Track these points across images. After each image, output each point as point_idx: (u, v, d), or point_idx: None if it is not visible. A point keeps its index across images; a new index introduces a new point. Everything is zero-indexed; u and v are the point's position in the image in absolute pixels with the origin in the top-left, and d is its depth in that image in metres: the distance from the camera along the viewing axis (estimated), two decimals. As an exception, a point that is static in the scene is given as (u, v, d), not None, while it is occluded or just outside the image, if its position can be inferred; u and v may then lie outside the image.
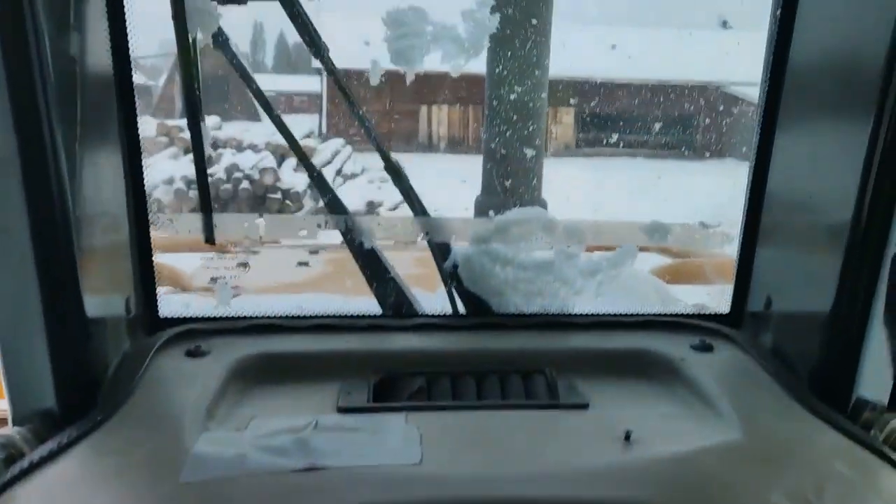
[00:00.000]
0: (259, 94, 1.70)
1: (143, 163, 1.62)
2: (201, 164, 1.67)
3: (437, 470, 1.25)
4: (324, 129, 15.93)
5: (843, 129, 1.48)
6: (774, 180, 1.71)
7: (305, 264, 3.82)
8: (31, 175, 1.24)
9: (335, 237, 1.95)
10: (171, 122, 14.86)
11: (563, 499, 1.19)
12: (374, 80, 1.64)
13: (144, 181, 1.62)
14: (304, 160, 1.82)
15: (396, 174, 1.81)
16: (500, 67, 2.37)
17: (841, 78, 1.50)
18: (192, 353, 1.61)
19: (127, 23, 1.50)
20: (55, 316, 1.32)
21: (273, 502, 1.16)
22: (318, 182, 1.81)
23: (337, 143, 14.83)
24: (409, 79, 1.61)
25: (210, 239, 1.74)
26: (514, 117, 2.65)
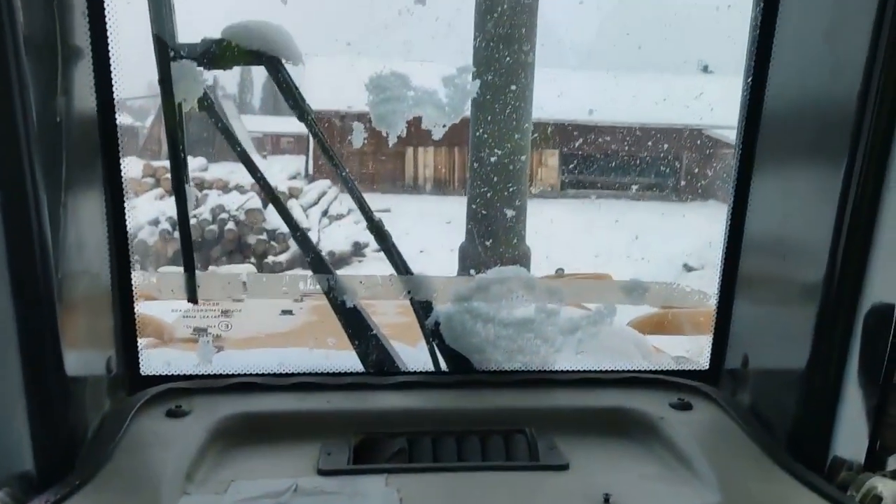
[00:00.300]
0: (244, 156, 1.72)
1: (126, 216, 1.62)
2: (185, 224, 1.69)
3: None
4: (310, 171, 15.99)
5: (816, 176, 1.51)
6: (751, 228, 1.74)
7: (290, 312, 3.82)
8: (12, 230, 1.24)
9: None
10: (156, 163, 14.89)
11: None
12: (357, 143, 1.67)
13: (128, 235, 1.63)
14: (289, 219, 1.83)
15: (379, 233, 1.83)
16: (481, 131, 2.42)
17: (814, 123, 1.53)
18: (172, 414, 1.61)
19: (112, 68, 1.52)
20: (35, 376, 1.32)
21: None
22: (301, 242, 1.83)
23: (323, 184, 14.89)
24: (392, 141, 1.65)
25: (193, 298, 1.75)
26: (495, 179, 2.70)
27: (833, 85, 1.45)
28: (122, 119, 1.56)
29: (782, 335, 1.61)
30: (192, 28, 1.65)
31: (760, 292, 1.73)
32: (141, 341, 1.75)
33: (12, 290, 1.27)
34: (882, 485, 1.43)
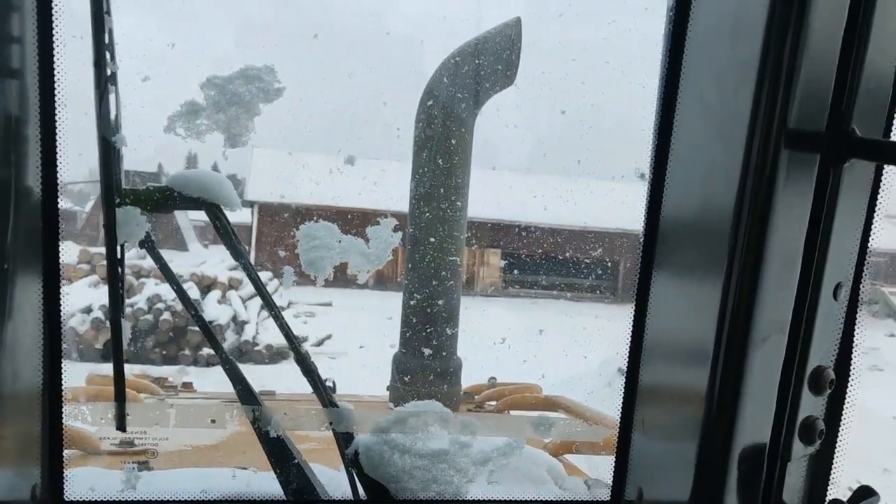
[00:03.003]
0: (183, 296, 1.84)
1: (60, 309, 1.62)
2: (119, 355, 1.78)
3: None
4: (252, 262, 15.96)
5: (694, 333, 1.64)
6: (644, 374, 1.85)
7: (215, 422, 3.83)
8: None
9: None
10: (93, 250, 14.70)
11: None
12: (287, 286, 1.81)
13: (62, 331, 1.64)
14: (218, 349, 1.94)
15: (304, 365, 1.95)
16: (434, 255, 2.60)
17: (699, 256, 1.65)
18: None
19: (58, 151, 1.57)
20: None
21: None
22: (230, 372, 1.93)
23: (264, 276, 14.86)
24: (319, 284, 1.79)
25: (122, 427, 1.83)
26: (433, 284, 2.86)
27: (710, 224, 1.60)
28: (63, 203, 1.57)
29: (671, 469, 1.74)
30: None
31: (653, 430, 1.86)
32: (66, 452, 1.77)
33: None
34: None
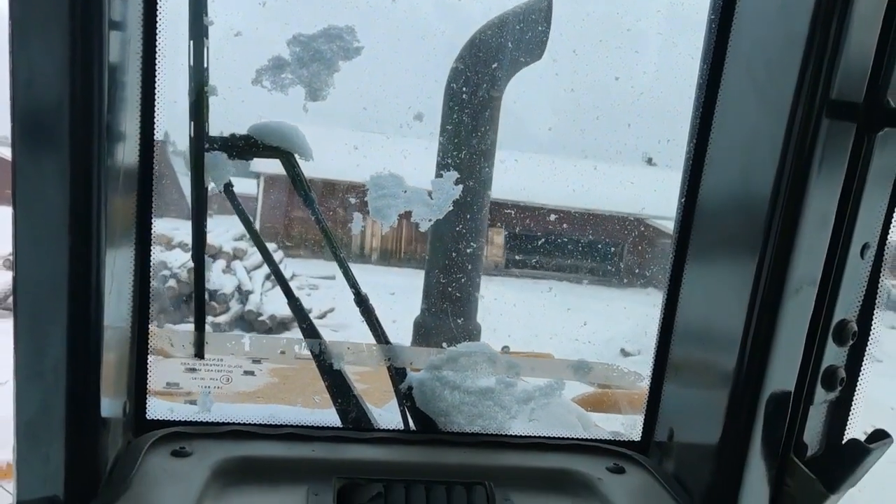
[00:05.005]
0: (259, 242, 2.00)
1: (150, 271, 1.82)
2: (201, 290, 1.94)
3: None
4: (258, 231, 16.02)
5: (734, 270, 1.78)
6: (681, 316, 2.01)
7: (251, 374, 4.03)
8: (76, 277, 1.46)
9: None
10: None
11: None
12: (356, 231, 1.97)
13: (150, 290, 1.83)
14: (287, 290, 2.09)
15: (364, 306, 2.11)
16: (461, 226, 2.72)
17: (737, 221, 1.80)
18: (177, 454, 1.83)
19: (154, 144, 1.74)
20: (75, 416, 1.53)
21: None
22: (296, 311, 2.09)
23: (269, 247, 14.98)
24: (384, 231, 1.95)
25: (200, 354, 1.99)
26: (454, 255, 3.00)
27: (745, 221, 1.75)
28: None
29: (701, 414, 1.90)
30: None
31: (686, 377, 2.02)
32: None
33: (68, 337, 1.49)
34: (778, 542, 1.73)
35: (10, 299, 1.49)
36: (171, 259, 13.87)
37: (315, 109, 1.86)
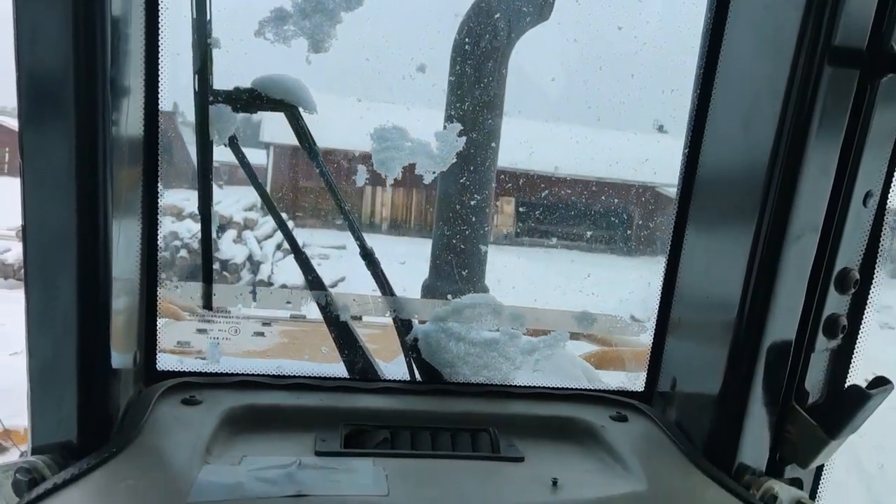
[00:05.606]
0: (263, 193, 2.02)
1: (158, 227, 1.85)
2: (208, 242, 1.97)
3: (401, 501, 1.54)
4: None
5: (733, 233, 1.80)
6: (682, 278, 2.03)
7: (261, 334, 4.08)
8: (84, 233, 1.49)
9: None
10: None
11: None
12: (360, 182, 1.98)
13: (158, 245, 1.87)
14: (293, 243, 2.12)
15: (370, 259, 2.14)
16: (464, 178, 2.72)
17: (735, 185, 1.82)
18: (187, 402, 1.87)
19: (160, 102, 1.77)
20: (86, 365, 1.57)
21: None
22: (301, 263, 2.11)
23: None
24: (388, 182, 1.96)
25: (208, 306, 2.02)
26: (473, 219, 3.00)
27: (746, 168, 1.75)
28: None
29: (704, 364, 1.91)
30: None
31: (688, 327, 2.03)
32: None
33: (78, 291, 1.52)
34: (779, 487, 1.75)
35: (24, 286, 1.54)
36: (183, 230, 13.97)
37: (318, 61, 1.87)
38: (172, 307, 2.64)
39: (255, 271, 14.98)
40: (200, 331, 3.54)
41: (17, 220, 1.52)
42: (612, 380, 3.06)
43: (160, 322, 1.97)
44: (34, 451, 1.60)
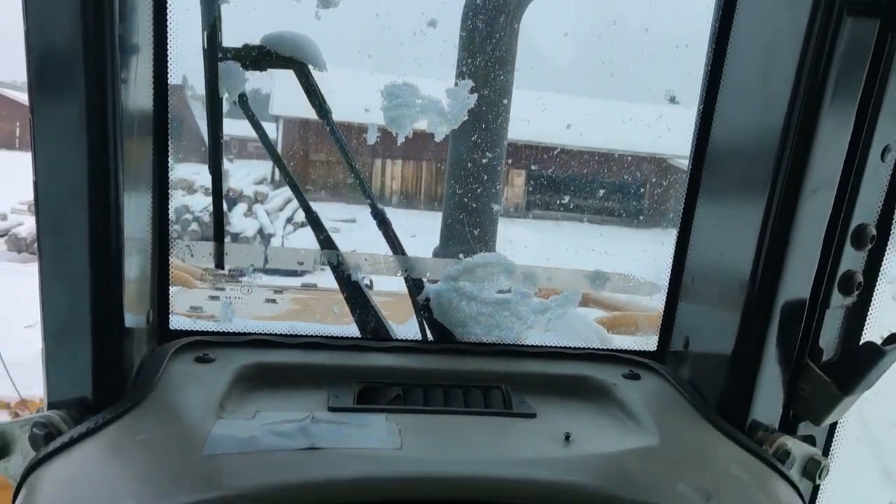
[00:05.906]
0: (270, 147, 2.01)
1: (169, 187, 1.86)
2: (219, 201, 1.96)
3: (414, 454, 1.55)
4: (276, 177, 16.10)
5: (745, 201, 1.79)
6: (694, 245, 2.03)
7: (273, 301, 4.10)
8: (95, 192, 1.50)
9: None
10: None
11: (515, 479, 1.50)
12: (371, 140, 1.97)
13: (169, 206, 1.87)
14: (303, 201, 2.11)
15: (381, 219, 2.13)
16: (476, 136, 2.69)
17: (747, 155, 1.80)
18: (200, 360, 1.87)
19: (168, 68, 1.76)
20: (101, 322, 1.58)
21: (280, 473, 1.43)
22: (312, 222, 2.11)
23: (289, 190, 15.03)
24: (400, 140, 1.95)
25: (220, 265, 2.03)
26: (485, 177, 2.98)
27: (762, 123, 1.73)
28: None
29: (716, 325, 1.90)
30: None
31: (702, 285, 2.02)
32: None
33: (90, 251, 1.52)
34: (792, 443, 1.75)
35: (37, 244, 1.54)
36: (193, 203, 14.00)
37: (327, 16, 1.85)
38: (185, 275, 2.65)
39: (265, 244, 15.03)
40: (213, 297, 3.56)
41: (30, 195, 1.53)
42: (624, 343, 3.05)
43: (173, 290, 1.98)
44: (50, 407, 1.61)
